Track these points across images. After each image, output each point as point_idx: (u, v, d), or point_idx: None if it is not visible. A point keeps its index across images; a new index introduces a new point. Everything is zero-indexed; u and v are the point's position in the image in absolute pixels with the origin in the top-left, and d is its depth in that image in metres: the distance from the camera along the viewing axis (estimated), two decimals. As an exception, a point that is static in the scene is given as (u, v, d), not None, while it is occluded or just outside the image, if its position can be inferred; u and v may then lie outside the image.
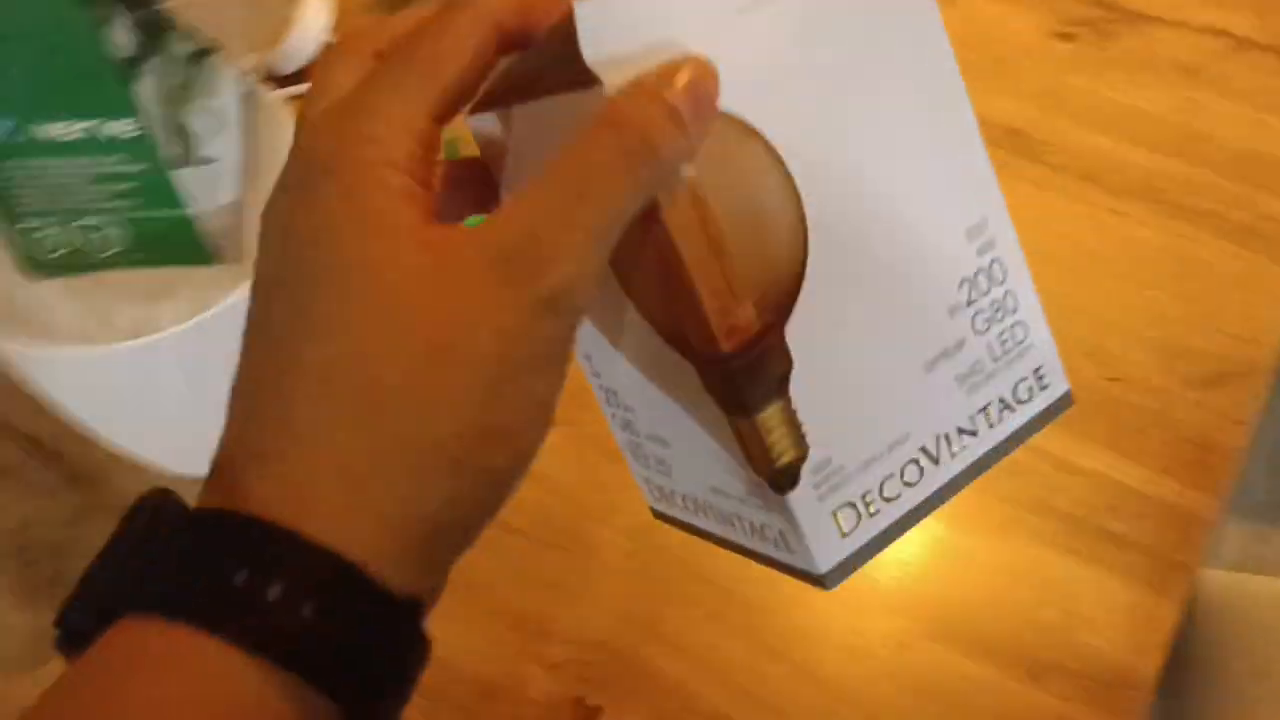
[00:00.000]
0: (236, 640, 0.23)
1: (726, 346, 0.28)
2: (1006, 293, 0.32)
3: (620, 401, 0.34)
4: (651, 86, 0.25)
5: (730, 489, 0.32)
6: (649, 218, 0.27)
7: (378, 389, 0.24)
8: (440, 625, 0.26)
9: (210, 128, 0.58)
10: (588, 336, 0.33)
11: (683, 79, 0.25)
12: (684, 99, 0.25)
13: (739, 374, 0.28)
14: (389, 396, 0.24)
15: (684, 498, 0.34)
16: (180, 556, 0.24)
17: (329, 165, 0.25)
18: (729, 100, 0.27)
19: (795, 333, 0.29)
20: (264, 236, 0.27)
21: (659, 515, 0.37)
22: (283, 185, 0.27)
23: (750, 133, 0.27)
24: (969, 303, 0.32)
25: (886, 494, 0.31)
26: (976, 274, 0.32)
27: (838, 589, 0.30)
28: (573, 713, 0.53)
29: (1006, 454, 0.33)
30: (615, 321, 0.31)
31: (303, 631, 0.23)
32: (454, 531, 0.25)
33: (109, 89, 0.53)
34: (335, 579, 0.24)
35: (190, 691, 0.23)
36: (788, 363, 0.29)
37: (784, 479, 0.29)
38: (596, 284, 0.26)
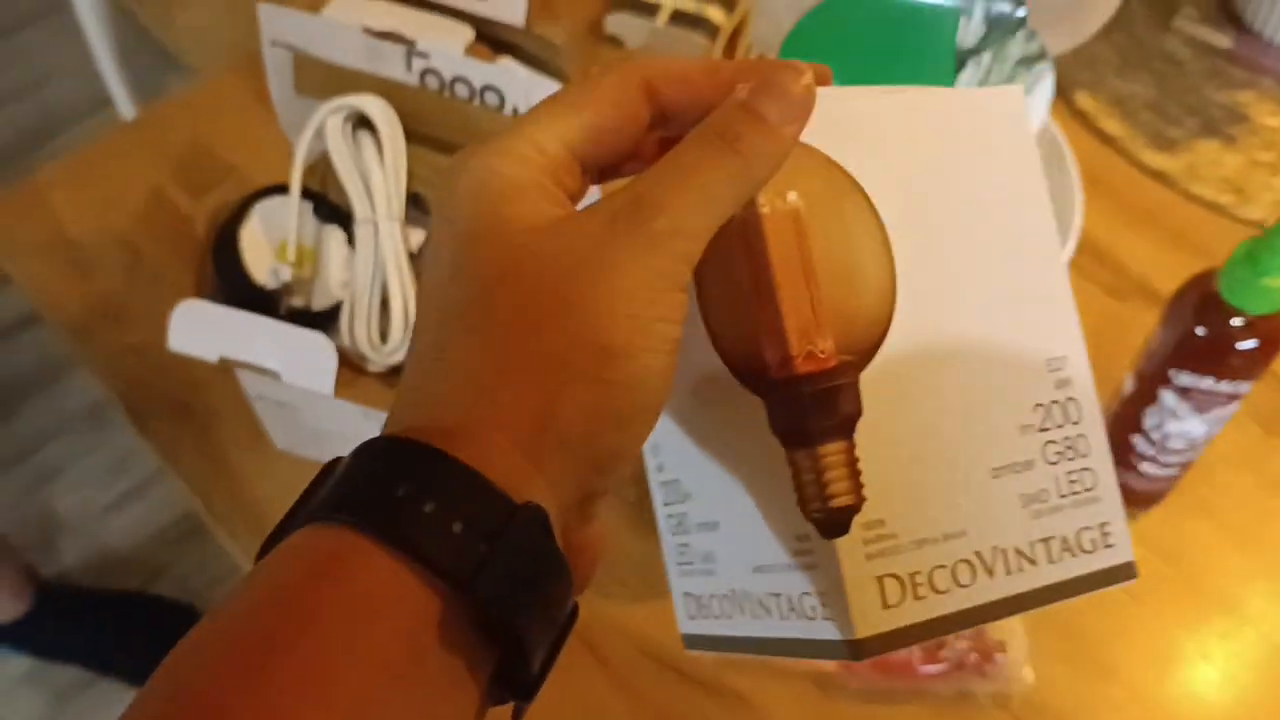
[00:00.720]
0: (382, 537, 0.25)
1: (802, 369, 0.29)
2: (1080, 435, 0.33)
3: (680, 491, 0.35)
4: (742, 92, 0.30)
5: (775, 558, 0.32)
6: (750, 230, 0.29)
7: (500, 319, 0.28)
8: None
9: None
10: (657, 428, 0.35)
11: (773, 85, 0.29)
12: (772, 103, 0.29)
13: (809, 399, 0.29)
14: (511, 324, 0.28)
15: (721, 600, 0.35)
16: (343, 477, 0.27)
17: (465, 164, 0.30)
18: (847, 158, 0.30)
19: (871, 388, 0.30)
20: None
21: (691, 642, 0.37)
22: None
23: (859, 189, 0.30)
24: (1041, 428, 0.32)
25: (936, 584, 0.31)
26: (1051, 404, 0.33)
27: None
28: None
29: (1058, 600, 0.32)
30: (683, 370, 0.32)
31: (442, 534, 0.25)
32: (580, 442, 0.28)
33: (939, 72, 0.55)
34: (467, 490, 0.26)
35: (335, 581, 0.25)
36: (858, 407, 0.30)
37: (838, 519, 0.29)
38: (697, 244, 0.29)
